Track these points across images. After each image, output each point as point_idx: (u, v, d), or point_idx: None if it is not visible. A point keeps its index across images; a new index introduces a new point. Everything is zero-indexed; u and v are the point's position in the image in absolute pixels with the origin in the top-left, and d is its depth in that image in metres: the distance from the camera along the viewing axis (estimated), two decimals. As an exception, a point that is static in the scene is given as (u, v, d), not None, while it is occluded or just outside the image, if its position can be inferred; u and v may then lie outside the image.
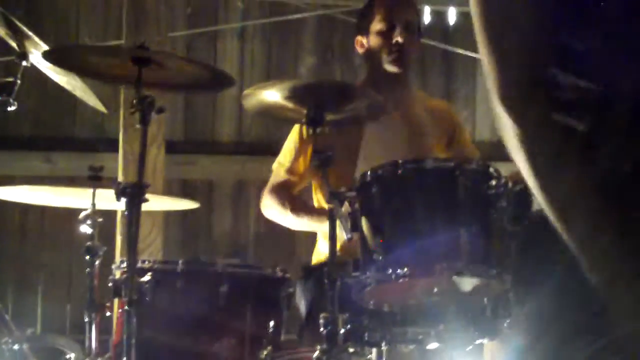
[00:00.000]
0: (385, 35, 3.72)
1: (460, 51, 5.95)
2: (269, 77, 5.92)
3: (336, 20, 6.04)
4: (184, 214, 5.66)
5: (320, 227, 3.62)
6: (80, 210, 3.24)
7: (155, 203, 3.33)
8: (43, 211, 5.63)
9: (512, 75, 1.32)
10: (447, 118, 3.90)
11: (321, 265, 3.46)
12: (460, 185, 2.71)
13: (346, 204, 2.79)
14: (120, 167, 4.76)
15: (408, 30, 3.73)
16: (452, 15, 5.93)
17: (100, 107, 3.45)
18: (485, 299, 2.86)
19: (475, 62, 6.04)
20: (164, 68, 3.01)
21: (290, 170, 3.73)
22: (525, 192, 2.71)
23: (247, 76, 5.94)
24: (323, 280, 2.75)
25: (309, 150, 3.63)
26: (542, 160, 1.34)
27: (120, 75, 3.06)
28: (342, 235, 2.75)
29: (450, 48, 5.97)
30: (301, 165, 3.72)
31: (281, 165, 3.75)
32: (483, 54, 1.32)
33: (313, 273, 3.53)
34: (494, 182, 2.72)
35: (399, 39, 3.69)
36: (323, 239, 3.62)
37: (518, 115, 1.32)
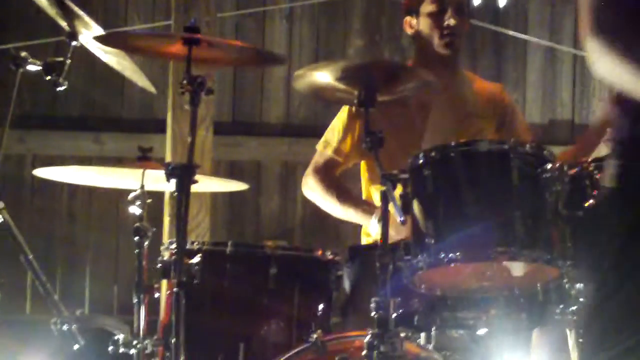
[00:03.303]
0: (437, 17, 3.66)
1: (511, 33, 5.87)
2: (317, 59, 5.87)
3: (384, 1, 5.98)
4: (232, 195, 5.64)
5: (363, 222, 3.58)
6: (128, 192, 3.23)
7: (204, 184, 3.32)
8: (91, 192, 5.65)
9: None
10: (498, 101, 3.82)
11: (369, 247, 3.43)
12: (514, 168, 2.66)
13: (399, 186, 2.75)
14: (168, 148, 4.76)
15: (459, 12, 3.66)
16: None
17: (150, 87, 3.44)
18: (538, 285, 2.81)
19: (525, 44, 5.96)
20: (213, 47, 2.99)
21: (337, 150, 3.69)
22: (581, 176, 2.65)
23: (295, 58, 5.91)
24: (370, 262, 2.72)
25: (357, 131, 3.61)
26: None
27: (170, 53, 3.06)
28: (394, 218, 2.71)
29: (500, 29, 5.89)
30: (348, 145, 3.68)
31: (328, 144, 3.71)
32: None
33: (360, 254, 3.47)
34: (548, 166, 2.67)
35: (451, 22, 3.63)
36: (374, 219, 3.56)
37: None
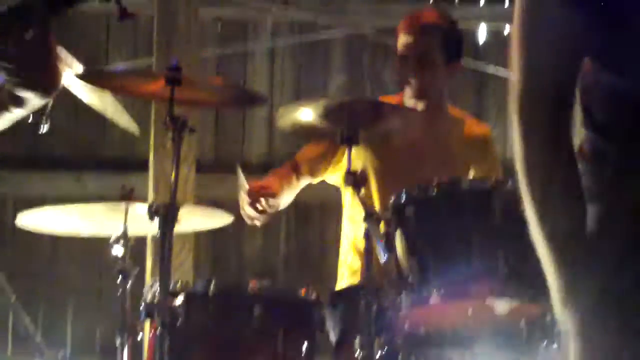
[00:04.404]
0: (402, 65, 3.52)
1: (492, 69, 5.91)
2: (298, 97, 5.89)
3: (365, 39, 6.01)
4: (215, 233, 5.62)
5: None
6: (111, 232, 3.22)
7: (187, 223, 3.31)
8: (73, 231, 5.62)
9: (537, 91, 1.50)
10: (483, 150, 3.69)
11: (351, 289, 3.41)
12: (496, 207, 2.67)
13: (382, 224, 2.75)
14: (150, 187, 4.75)
15: (424, 62, 3.46)
16: (482, 33, 5.90)
17: (132, 127, 3.45)
18: (522, 322, 2.81)
19: (506, 79, 5.99)
20: (195, 87, 3.00)
21: (302, 154, 3.60)
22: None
23: (276, 96, 5.92)
24: (355, 303, 2.71)
25: (336, 162, 3.56)
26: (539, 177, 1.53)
27: (152, 92, 3.06)
28: (378, 257, 2.71)
29: (480, 66, 5.93)
30: (313, 153, 3.58)
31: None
32: (513, 68, 1.51)
33: (343, 297, 3.44)
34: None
35: (411, 76, 3.47)
36: (353, 256, 3.54)
37: (529, 129, 1.52)
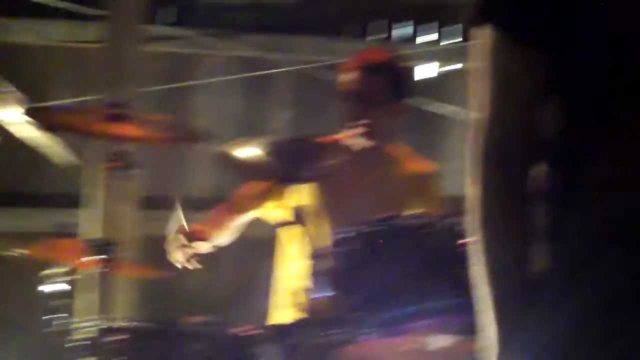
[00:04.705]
0: (348, 103, 3.48)
1: (431, 106, 5.97)
2: (243, 133, 5.91)
3: (311, 76, 6.05)
4: (155, 269, 5.60)
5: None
6: (45, 267, 3.19)
7: (128, 258, 3.31)
8: (3, 265, 5.56)
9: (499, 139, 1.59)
10: (423, 187, 3.68)
11: (288, 325, 3.38)
12: (433, 242, 2.70)
13: (321, 261, 2.77)
14: (90, 223, 4.72)
15: (370, 101, 3.43)
16: (423, 72, 5.97)
17: (71, 162, 3.44)
18: (458, 359, 2.83)
19: (445, 116, 6.06)
20: (139, 124, 3.02)
21: (245, 191, 3.55)
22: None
23: (221, 132, 5.93)
24: (291, 339, 2.71)
25: (277, 199, 3.54)
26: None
27: (94, 129, 3.06)
28: (314, 293, 2.73)
29: (421, 104, 5.99)
30: (255, 189, 3.52)
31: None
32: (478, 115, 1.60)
33: (280, 333, 3.42)
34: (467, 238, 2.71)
35: (357, 114, 3.44)
36: (289, 293, 3.53)
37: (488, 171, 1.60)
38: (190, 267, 3.37)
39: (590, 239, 1.58)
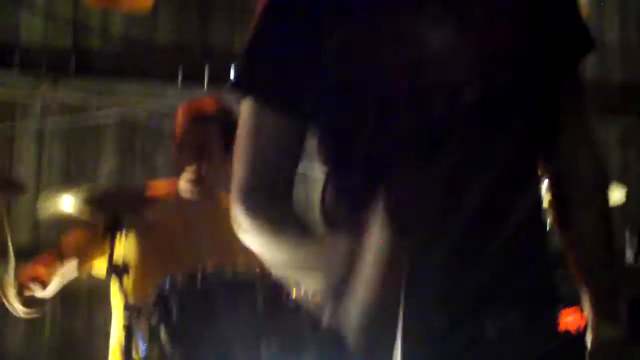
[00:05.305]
0: (179, 152, 3.47)
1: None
2: (67, 181, 5.77)
3: (137, 123, 5.98)
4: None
5: None
6: None
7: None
8: None
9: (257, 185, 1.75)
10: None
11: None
12: (260, 296, 2.68)
13: (144, 315, 2.70)
14: None
15: (201, 151, 3.44)
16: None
17: None
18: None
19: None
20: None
21: (68, 242, 3.48)
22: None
23: (44, 181, 5.78)
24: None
25: (102, 250, 3.45)
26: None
27: None
28: (139, 351, 2.66)
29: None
30: (79, 241, 3.47)
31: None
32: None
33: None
34: (296, 292, 2.70)
35: (188, 163, 3.44)
36: (116, 346, 3.45)
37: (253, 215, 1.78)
38: (30, 313, 3.24)
39: None
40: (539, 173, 1.78)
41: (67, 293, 4.85)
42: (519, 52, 1.67)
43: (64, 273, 3.50)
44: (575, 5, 1.77)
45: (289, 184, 1.77)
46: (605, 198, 1.83)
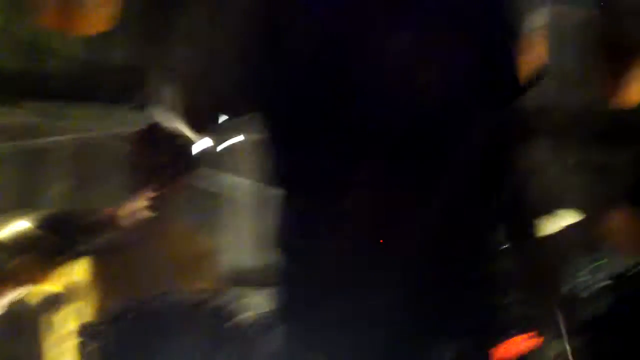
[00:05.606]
0: (134, 175, 3.52)
1: (210, 182, 5.98)
2: (19, 206, 5.72)
3: (94, 145, 5.95)
4: None
5: None
6: None
7: None
8: None
9: None
10: (202, 265, 3.64)
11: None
12: (209, 319, 2.69)
13: (89, 339, 2.70)
14: None
15: (147, 175, 3.49)
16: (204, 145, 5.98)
17: None
18: None
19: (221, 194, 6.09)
20: None
21: (20, 265, 3.47)
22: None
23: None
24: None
25: (55, 274, 3.42)
26: None
27: None
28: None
29: (200, 179, 5.99)
30: (32, 263, 3.46)
31: None
32: None
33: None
34: (244, 314, 2.72)
35: (132, 190, 3.47)
36: None
37: None
38: None
39: None
40: (488, 201, 1.79)
41: (13, 317, 4.83)
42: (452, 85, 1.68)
43: (11, 297, 3.48)
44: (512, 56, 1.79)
45: None
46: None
